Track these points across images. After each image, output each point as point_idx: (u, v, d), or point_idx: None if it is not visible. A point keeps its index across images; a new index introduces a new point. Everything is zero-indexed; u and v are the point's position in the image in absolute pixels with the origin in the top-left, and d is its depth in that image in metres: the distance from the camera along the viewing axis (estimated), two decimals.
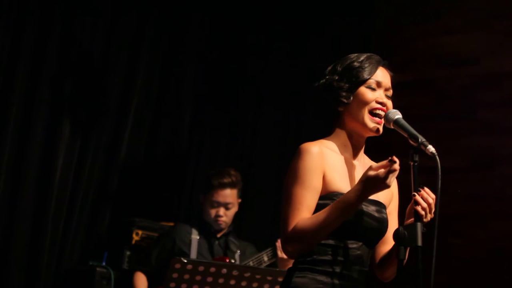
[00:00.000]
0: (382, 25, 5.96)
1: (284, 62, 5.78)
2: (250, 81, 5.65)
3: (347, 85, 2.49)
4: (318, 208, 2.38)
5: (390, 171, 2.24)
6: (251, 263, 4.33)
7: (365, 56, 2.55)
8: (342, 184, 2.44)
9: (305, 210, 2.37)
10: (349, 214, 2.33)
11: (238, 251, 4.49)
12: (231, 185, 4.42)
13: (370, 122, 2.48)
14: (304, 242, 2.37)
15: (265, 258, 4.32)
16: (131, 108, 4.93)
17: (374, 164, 2.27)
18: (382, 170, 2.24)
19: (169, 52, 5.21)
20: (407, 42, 5.84)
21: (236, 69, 5.58)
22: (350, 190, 2.32)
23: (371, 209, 2.44)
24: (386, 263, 2.52)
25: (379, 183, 2.25)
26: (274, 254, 4.33)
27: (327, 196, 2.40)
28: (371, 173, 2.25)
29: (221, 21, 5.48)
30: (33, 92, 4.43)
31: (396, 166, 2.23)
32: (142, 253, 4.53)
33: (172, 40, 5.22)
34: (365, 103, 2.47)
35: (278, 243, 4.25)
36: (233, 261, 4.35)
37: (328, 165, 2.43)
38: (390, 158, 2.23)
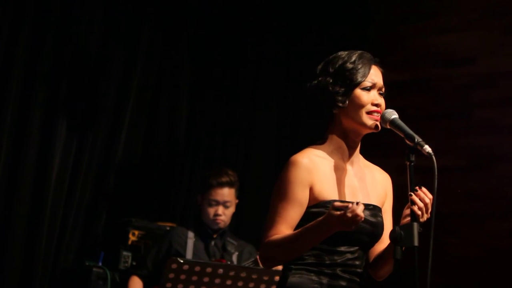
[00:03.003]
0: (378, 25, 5.96)
1: (279, 62, 5.78)
2: (246, 81, 5.64)
3: (342, 89, 2.47)
4: (312, 216, 2.37)
5: (349, 215, 2.19)
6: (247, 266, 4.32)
7: (356, 55, 2.52)
8: (333, 191, 2.44)
9: (283, 223, 2.39)
10: (317, 242, 2.35)
11: (236, 252, 4.48)
12: (230, 184, 4.42)
13: (369, 120, 2.47)
14: (274, 260, 2.44)
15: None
16: (127, 107, 4.92)
17: (337, 203, 2.24)
18: (340, 213, 2.20)
19: (165, 51, 5.20)
20: (403, 42, 5.84)
21: (232, 69, 5.57)
22: (316, 221, 2.30)
23: (366, 214, 2.43)
24: (380, 262, 2.53)
25: (340, 224, 2.23)
26: None
27: (319, 204, 2.41)
28: (333, 212, 2.22)
29: (218, 20, 5.47)
30: (29, 91, 4.42)
31: (358, 211, 2.18)
32: (138, 256, 4.53)
33: (168, 39, 5.22)
34: (361, 106, 2.46)
35: None
36: (229, 263, 4.34)
37: (318, 175, 2.43)
38: (353, 202, 2.20)
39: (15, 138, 4.36)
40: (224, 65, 5.53)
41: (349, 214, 2.18)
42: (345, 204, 2.21)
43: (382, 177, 2.62)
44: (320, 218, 2.28)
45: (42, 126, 4.47)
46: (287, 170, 2.43)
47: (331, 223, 2.24)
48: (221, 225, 4.43)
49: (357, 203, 2.20)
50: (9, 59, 4.31)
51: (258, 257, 4.20)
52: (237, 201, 4.52)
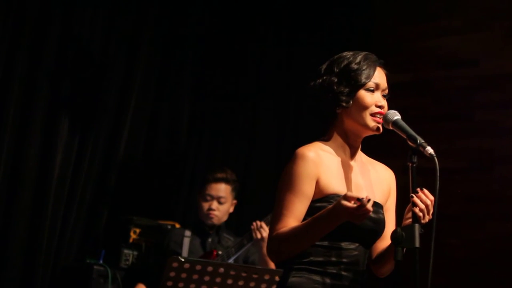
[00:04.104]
0: (381, 26, 5.96)
1: (282, 62, 5.78)
2: (248, 81, 5.65)
3: (347, 89, 2.48)
4: (317, 210, 2.38)
5: (360, 210, 2.20)
6: (233, 250, 4.33)
7: (361, 56, 2.53)
8: (339, 186, 2.45)
9: (291, 217, 2.39)
10: (325, 232, 2.35)
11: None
12: (225, 181, 4.43)
13: (371, 121, 2.48)
14: (282, 253, 2.42)
15: (245, 242, 4.34)
16: (129, 106, 4.93)
17: (349, 193, 2.24)
18: (351, 206, 2.21)
19: (167, 50, 5.21)
20: (406, 43, 5.84)
21: (234, 69, 5.57)
22: (325, 210, 2.30)
23: None
24: (383, 260, 2.53)
25: (349, 216, 2.24)
26: (252, 236, 4.32)
27: (324, 198, 2.41)
28: (344, 202, 2.22)
29: (219, 16, 5.48)
30: (32, 89, 4.43)
31: (368, 207, 2.19)
32: (140, 261, 4.55)
33: (171, 38, 5.22)
34: (365, 107, 2.47)
35: (254, 226, 4.26)
36: (220, 252, 4.36)
37: (324, 169, 2.44)
38: (363, 198, 2.20)
39: (17, 136, 4.37)
40: (225, 66, 5.53)
41: (369, 207, 2.19)
42: (357, 196, 2.22)
43: (386, 174, 2.63)
44: (329, 207, 2.28)
45: (44, 125, 4.48)
46: (293, 163, 2.43)
47: (339, 213, 2.24)
48: (215, 220, 4.43)
49: (368, 200, 2.20)
50: (12, 58, 4.32)
51: (253, 228, 4.24)
52: (235, 201, 4.52)
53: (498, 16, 5.49)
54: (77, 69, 4.63)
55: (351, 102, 2.48)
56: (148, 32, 5.04)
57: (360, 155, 2.59)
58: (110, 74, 4.83)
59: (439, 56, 5.68)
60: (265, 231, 4.20)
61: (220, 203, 4.43)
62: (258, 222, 4.23)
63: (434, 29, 5.75)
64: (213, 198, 4.42)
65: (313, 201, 2.42)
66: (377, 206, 2.50)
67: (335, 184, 2.44)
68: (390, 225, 2.53)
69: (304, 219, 2.41)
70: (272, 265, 4.10)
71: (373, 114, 2.48)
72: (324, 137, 2.56)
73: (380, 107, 2.48)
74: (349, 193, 2.23)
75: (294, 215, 2.39)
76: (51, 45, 4.49)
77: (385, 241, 2.52)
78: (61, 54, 4.56)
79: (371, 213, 2.42)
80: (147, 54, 5.04)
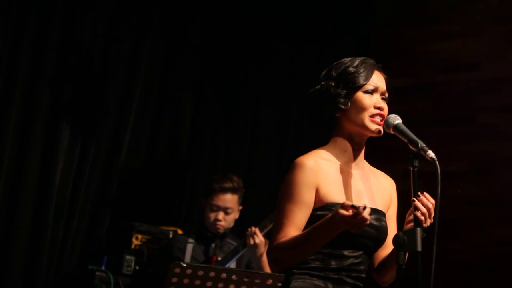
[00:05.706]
0: (381, 30, 5.97)
1: (283, 66, 5.79)
2: (249, 85, 5.65)
3: (344, 91, 2.48)
4: (318, 219, 2.36)
5: (357, 218, 2.20)
6: (229, 256, 4.34)
7: (359, 60, 2.54)
8: (339, 194, 2.44)
9: (292, 226, 2.39)
10: (325, 241, 2.34)
11: None
12: (232, 190, 4.42)
13: (372, 124, 2.47)
14: (283, 263, 2.42)
15: (240, 248, 4.34)
16: (131, 112, 4.93)
17: (346, 201, 2.24)
18: (347, 214, 2.20)
19: (169, 55, 5.21)
20: (406, 47, 5.85)
21: (235, 73, 5.58)
22: (324, 219, 2.30)
23: (371, 217, 2.43)
24: (385, 267, 2.52)
25: (346, 225, 2.24)
26: (246, 242, 4.33)
27: (324, 207, 2.41)
28: (341, 211, 2.22)
29: (221, 22, 5.49)
30: (33, 95, 4.43)
31: (365, 215, 2.19)
32: (144, 269, 4.55)
33: (172, 43, 5.23)
34: (364, 109, 2.47)
35: (249, 231, 4.27)
36: (219, 258, 4.36)
37: (323, 177, 2.44)
38: (359, 206, 2.19)
39: (19, 142, 4.38)
40: (227, 70, 5.54)
41: (366, 216, 2.19)
42: (353, 204, 2.21)
43: (387, 182, 2.63)
44: (327, 216, 2.28)
45: (45, 131, 4.49)
46: (292, 172, 2.43)
47: (337, 222, 2.24)
48: (221, 230, 4.44)
49: (365, 207, 2.20)
50: (13, 64, 4.33)
51: (248, 234, 4.25)
52: (240, 207, 4.52)
53: (498, 20, 5.50)
54: (78, 75, 4.63)
55: (349, 104, 2.48)
56: (149, 38, 5.04)
57: (363, 162, 2.59)
58: (111, 80, 4.83)
59: (440, 60, 5.69)
60: (258, 237, 4.21)
61: (227, 213, 4.43)
62: (253, 228, 4.24)
63: (435, 33, 5.76)
64: (220, 208, 4.41)
65: (314, 210, 2.42)
66: (379, 213, 2.50)
67: (334, 192, 2.44)
68: (392, 233, 2.51)
69: (305, 227, 2.40)
70: (267, 270, 4.11)
71: (372, 116, 2.47)
72: (325, 144, 2.56)
73: (379, 108, 2.48)
74: (346, 202, 2.23)
75: (295, 224, 2.39)
76: (52, 51, 4.50)
77: (386, 249, 2.52)
78: (62, 60, 4.56)
79: (373, 221, 2.43)
80: (148, 60, 5.05)
